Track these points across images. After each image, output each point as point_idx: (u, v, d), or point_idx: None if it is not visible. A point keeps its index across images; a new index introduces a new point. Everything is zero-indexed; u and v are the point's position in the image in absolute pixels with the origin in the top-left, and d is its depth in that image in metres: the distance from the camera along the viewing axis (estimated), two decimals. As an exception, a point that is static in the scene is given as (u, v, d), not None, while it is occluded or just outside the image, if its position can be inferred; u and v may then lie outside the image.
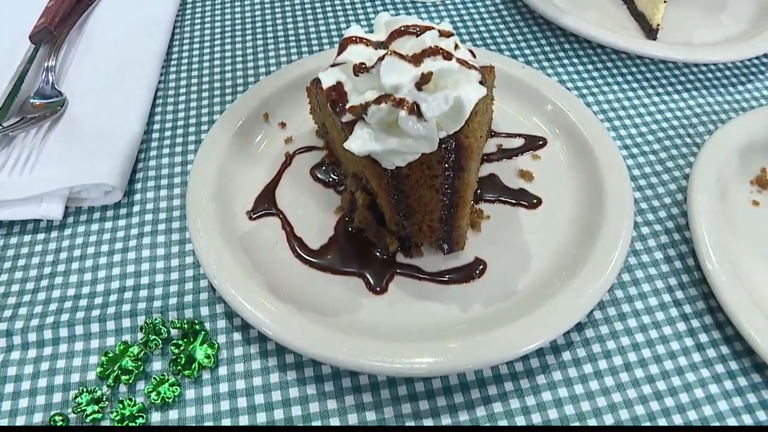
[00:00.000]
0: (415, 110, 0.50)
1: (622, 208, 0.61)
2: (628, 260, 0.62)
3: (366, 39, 0.55)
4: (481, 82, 0.54)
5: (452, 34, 0.54)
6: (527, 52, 0.84)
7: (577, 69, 0.82)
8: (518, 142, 0.69)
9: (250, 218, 0.63)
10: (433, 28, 0.54)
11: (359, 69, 0.52)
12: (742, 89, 0.81)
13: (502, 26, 0.87)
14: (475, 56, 0.56)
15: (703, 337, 0.58)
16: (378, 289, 0.57)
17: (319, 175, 0.66)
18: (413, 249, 0.60)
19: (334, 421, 0.52)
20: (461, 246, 0.59)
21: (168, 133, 0.74)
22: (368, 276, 0.58)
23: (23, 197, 0.64)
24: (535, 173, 0.66)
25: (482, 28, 0.87)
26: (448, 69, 0.50)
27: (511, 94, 0.72)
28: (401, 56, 0.51)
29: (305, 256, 0.60)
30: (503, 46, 0.84)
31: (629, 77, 0.81)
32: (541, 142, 0.69)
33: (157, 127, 0.74)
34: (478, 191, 0.64)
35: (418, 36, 0.53)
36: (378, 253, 0.60)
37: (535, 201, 0.64)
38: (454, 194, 0.55)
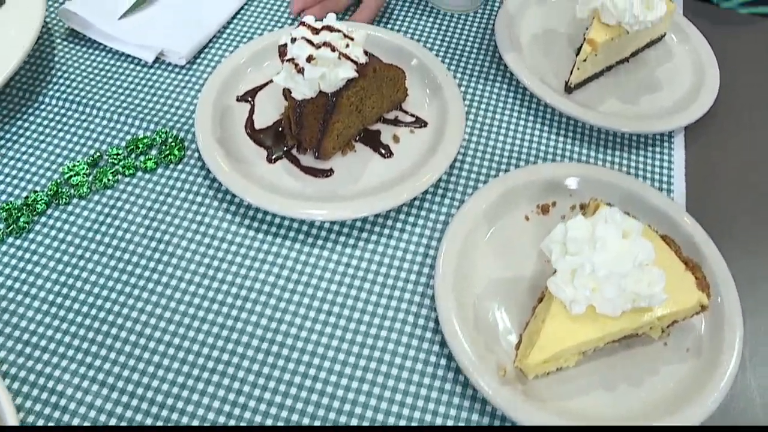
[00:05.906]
0: (302, 72, 0.91)
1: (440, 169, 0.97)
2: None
3: (308, 24, 0.96)
4: (356, 71, 0.93)
5: (351, 39, 0.94)
6: (469, 69, 1.17)
7: (500, 96, 1.15)
8: (410, 119, 1.07)
9: (237, 100, 1.08)
10: (341, 31, 0.94)
11: (292, 41, 0.94)
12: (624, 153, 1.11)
13: (468, 48, 1.21)
14: (367, 55, 0.96)
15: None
16: (271, 160, 1.01)
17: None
18: (301, 149, 1.02)
19: (229, 217, 0.98)
20: (326, 157, 1.00)
21: (231, 37, 1.20)
22: (271, 152, 1.02)
23: (137, 43, 1.14)
24: (402, 139, 1.04)
25: (452, 44, 1.23)
26: (326, 56, 0.91)
27: (427, 89, 1.10)
28: (309, 41, 0.92)
29: (249, 131, 1.04)
30: (457, 60, 1.19)
31: (542, 116, 1.14)
32: (422, 125, 1.06)
33: (230, 29, 1.21)
34: (361, 134, 1.04)
35: (330, 32, 0.94)
36: (284, 145, 1.03)
37: (390, 154, 1.02)
38: (325, 126, 0.96)
